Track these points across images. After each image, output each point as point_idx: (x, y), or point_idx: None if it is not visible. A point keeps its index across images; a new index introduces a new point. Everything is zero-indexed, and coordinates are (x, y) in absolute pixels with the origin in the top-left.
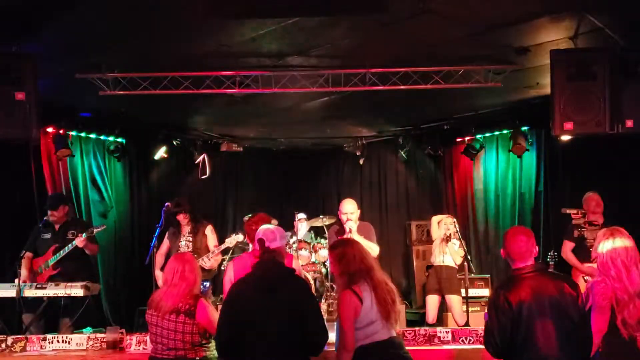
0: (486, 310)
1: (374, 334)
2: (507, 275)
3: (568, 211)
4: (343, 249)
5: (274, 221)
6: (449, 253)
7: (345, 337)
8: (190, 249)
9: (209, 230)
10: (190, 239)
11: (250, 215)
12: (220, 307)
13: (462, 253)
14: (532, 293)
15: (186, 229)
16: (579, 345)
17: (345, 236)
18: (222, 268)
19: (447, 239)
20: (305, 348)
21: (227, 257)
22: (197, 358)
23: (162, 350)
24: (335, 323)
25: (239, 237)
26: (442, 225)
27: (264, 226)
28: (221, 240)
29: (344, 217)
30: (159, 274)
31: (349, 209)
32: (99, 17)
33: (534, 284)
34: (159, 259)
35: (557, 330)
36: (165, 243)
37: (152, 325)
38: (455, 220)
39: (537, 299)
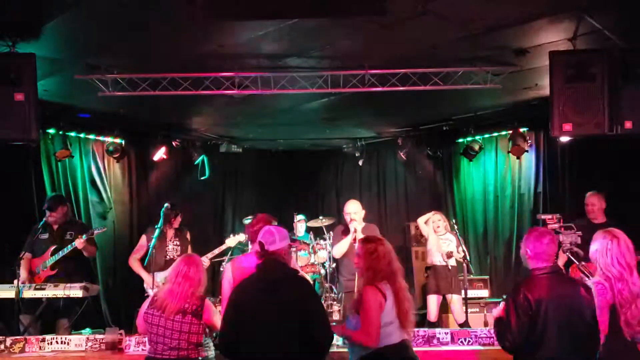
0: (499, 306)
1: (389, 336)
2: (514, 276)
3: (543, 216)
4: (376, 245)
5: (274, 222)
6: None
7: (372, 327)
8: (178, 253)
9: (189, 235)
10: (178, 243)
11: (251, 218)
12: (219, 307)
13: (462, 254)
14: (550, 293)
15: (171, 232)
16: (589, 347)
17: (350, 236)
18: (221, 269)
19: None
20: (310, 349)
21: (225, 258)
22: (200, 358)
23: (163, 350)
24: (334, 323)
25: (240, 237)
26: (430, 222)
27: (265, 228)
28: (220, 241)
29: (347, 218)
30: (146, 277)
31: (352, 208)
32: (98, 18)
33: (553, 284)
34: (135, 263)
35: (571, 331)
36: (143, 247)
37: (153, 325)
38: (441, 216)
39: (555, 299)
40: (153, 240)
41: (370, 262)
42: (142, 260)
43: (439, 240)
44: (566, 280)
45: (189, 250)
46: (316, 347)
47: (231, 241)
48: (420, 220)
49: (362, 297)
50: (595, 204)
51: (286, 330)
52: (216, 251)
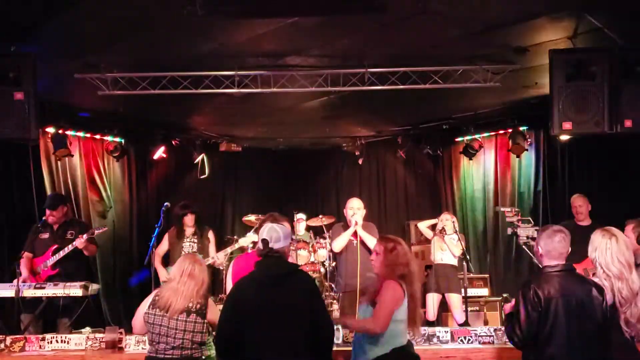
0: (510, 302)
1: (399, 336)
2: (532, 273)
3: (502, 209)
4: (395, 244)
5: (286, 223)
6: (447, 249)
7: (384, 317)
8: (194, 251)
9: (212, 234)
10: (195, 240)
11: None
12: (219, 306)
13: (461, 250)
14: (561, 291)
15: (189, 230)
16: (598, 347)
17: (351, 229)
18: (221, 268)
19: (442, 232)
20: (312, 345)
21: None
22: (203, 357)
23: (165, 350)
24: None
25: (253, 236)
26: (440, 222)
27: (268, 225)
28: (220, 241)
29: (350, 212)
30: (162, 272)
31: (357, 204)
32: (98, 17)
33: (564, 283)
34: (157, 259)
35: (581, 331)
36: (165, 244)
37: (155, 325)
38: (450, 215)
39: (566, 298)
40: (152, 240)
41: (389, 260)
42: (163, 257)
43: (447, 238)
44: (578, 279)
45: (210, 250)
46: (321, 341)
47: (244, 240)
48: (421, 225)
49: (382, 289)
50: (582, 205)
51: (288, 325)
52: (229, 250)
